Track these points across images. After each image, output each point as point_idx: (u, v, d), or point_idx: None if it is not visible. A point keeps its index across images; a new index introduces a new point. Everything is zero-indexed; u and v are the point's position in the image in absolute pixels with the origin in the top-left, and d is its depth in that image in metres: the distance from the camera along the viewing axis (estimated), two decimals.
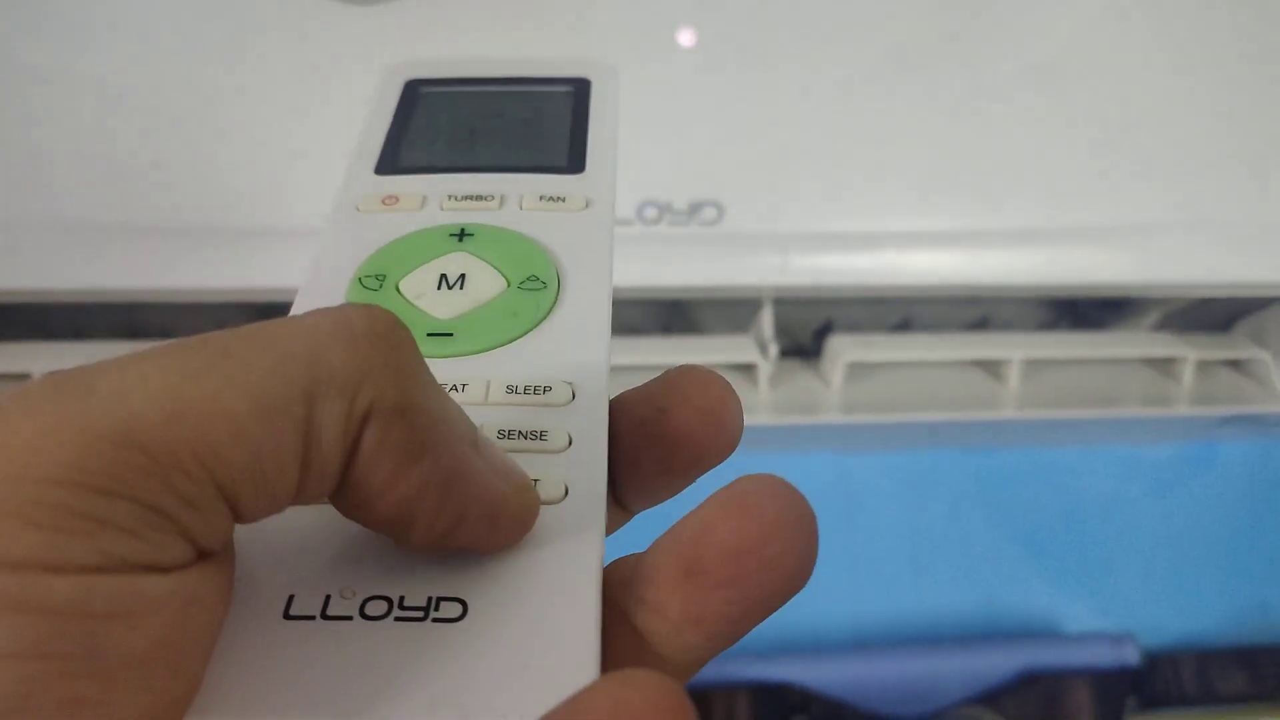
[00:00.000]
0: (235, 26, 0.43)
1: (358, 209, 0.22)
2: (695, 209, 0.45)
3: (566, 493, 0.17)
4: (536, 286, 0.20)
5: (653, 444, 0.19)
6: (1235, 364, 0.60)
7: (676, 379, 0.19)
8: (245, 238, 0.43)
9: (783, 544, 0.15)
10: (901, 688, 0.60)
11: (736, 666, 0.58)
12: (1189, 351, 0.56)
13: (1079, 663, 0.62)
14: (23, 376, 0.47)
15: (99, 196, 0.43)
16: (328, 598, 0.15)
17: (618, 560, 0.17)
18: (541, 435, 0.17)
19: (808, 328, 0.60)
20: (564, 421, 0.18)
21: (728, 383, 0.19)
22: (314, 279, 0.21)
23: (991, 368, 0.56)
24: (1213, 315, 0.60)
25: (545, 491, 0.17)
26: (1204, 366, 0.58)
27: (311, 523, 0.16)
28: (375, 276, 0.20)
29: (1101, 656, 0.63)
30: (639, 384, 0.19)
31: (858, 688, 0.59)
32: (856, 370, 0.53)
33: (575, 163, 0.23)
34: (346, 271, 0.20)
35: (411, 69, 0.25)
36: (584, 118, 0.24)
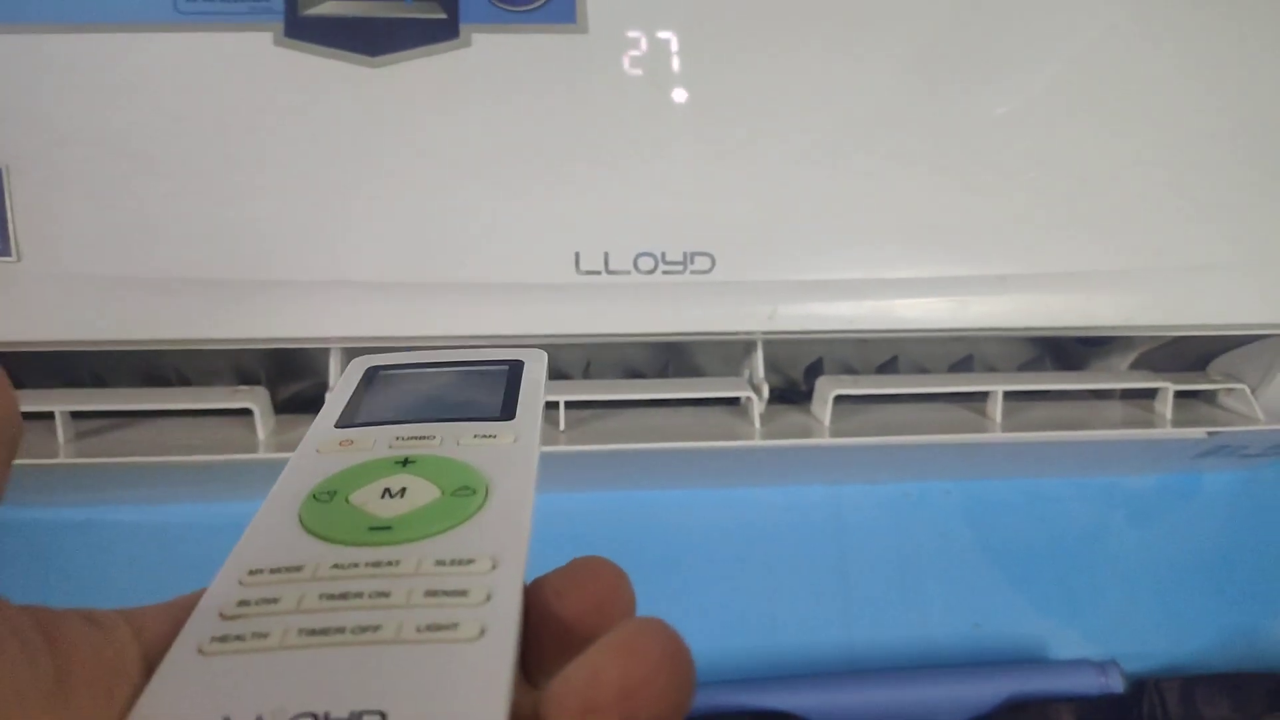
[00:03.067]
0: (249, 89, 0.45)
1: (318, 451, 0.26)
2: (689, 259, 0.47)
3: (483, 632, 0.19)
4: (467, 494, 0.23)
5: (551, 623, 0.21)
6: (1212, 397, 0.61)
7: (573, 569, 0.22)
8: (258, 290, 0.45)
9: (666, 679, 0.17)
10: (891, 714, 0.61)
11: (730, 693, 0.59)
12: (1168, 383, 0.58)
13: (1065, 689, 0.63)
14: (46, 416, 0.49)
15: (123, 253, 0.45)
16: (259, 718, 0.17)
17: (523, 690, 0.20)
18: (464, 593, 0.20)
19: (799, 365, 0.62)
20: (485, 583, 0.20)
21: (619, 570, 0.22)
22: (274, 496, 0.24)
23: (976, 404, 0.58)
24: (1188, 354, 0.62)
25: (464, 631, 0.19)
26: (1183, 400, 0.59)
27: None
28: (327, 493, 0.24)
29: (1087, 683, 0.63)
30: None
31: (849, 714, 0.60)
32: (845, 408, 0.55)
33: (507, 413, 0.27)
34: (303, 490, 0.24)
35: (373, 360, 0.30)
36: (516, 385, 0.29)
